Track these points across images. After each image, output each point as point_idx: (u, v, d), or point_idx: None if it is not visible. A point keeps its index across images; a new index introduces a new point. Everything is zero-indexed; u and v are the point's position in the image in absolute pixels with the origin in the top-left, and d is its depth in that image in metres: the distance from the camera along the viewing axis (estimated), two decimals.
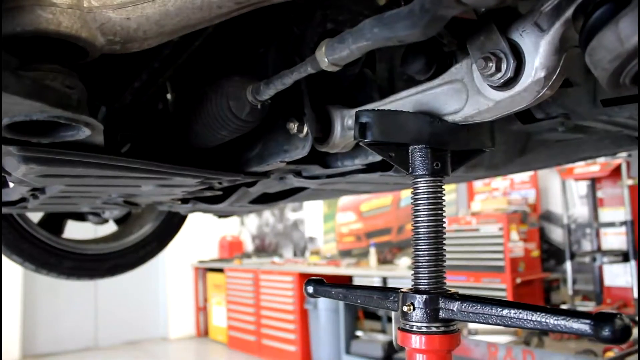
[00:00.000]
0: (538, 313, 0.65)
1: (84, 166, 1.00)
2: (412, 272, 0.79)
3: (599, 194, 4.76)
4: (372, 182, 1.34)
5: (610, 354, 3.24)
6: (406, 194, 6.16)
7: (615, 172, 4.47)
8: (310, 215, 8.13)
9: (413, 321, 0.75)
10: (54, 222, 2.44)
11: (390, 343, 5.18)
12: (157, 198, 1.66)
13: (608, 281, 4.58)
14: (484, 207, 5.46)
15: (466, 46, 0.70)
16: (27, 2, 0.66)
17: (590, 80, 1.15)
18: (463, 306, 0.73)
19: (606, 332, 0.58)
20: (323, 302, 5.85)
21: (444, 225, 0.79)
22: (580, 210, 5.14)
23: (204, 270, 8.56)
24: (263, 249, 8.99)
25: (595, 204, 4.76)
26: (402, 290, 0.79)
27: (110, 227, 2.74)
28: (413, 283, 0.78)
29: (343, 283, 0.96)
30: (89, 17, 0.72)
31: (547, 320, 0.64)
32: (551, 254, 5.41)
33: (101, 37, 0.73)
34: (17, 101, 0.68)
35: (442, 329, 0.75)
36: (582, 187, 5.06)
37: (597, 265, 4.56)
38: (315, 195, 1.97)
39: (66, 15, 0.69)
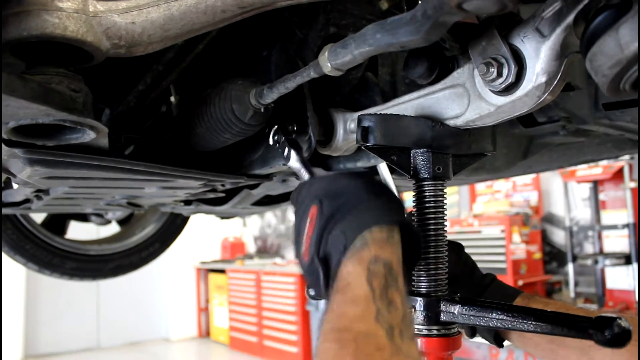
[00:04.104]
0: (537, 316, 0.66)
1: (88, 168, 1.00)
2: (413, 275, 0.79)
3: (601, 196, 4.75)
4: None
5: None
6: (408, 196, 6.15)
7: (618, 175, 4.47)
8: None
9: (414, 324, 0.76)
10: (57, 222, 2.45)
11: None
12: (160, 199, 1.67)
13: (610, 284, 4.57)
14: (486, 209, 5.46)
15: (468, 51, 0.70)
16: (33, 6, 0.67)
17: (591, 84, 1.15)
18: (463, 309, 0.74)
19: (606, 336, 0.59)
20: (325, 304, 5.84)
21: (445, 228, 0.80)
22: (583, 213, 5.14)
23: (206, 271, 8.56)
24: (265, 250, 8.99)
25: (597, 206, 4.75)
26: None
27: (113, 228, 2.75)
28: (414, 286, 0.79)
29: None
30: (94, 22, 0.72)
31: (547, 324, 0.65)
32: (553, 257, 5.40)
33: (106, 41, 0.74)
34: (23, 105, 0.69)
35: (442, 331, 0.75)
36: (585, 189, 5.05)
37: (599, 267, 4.55)
38: None
39: (72, 20, 0.70)
